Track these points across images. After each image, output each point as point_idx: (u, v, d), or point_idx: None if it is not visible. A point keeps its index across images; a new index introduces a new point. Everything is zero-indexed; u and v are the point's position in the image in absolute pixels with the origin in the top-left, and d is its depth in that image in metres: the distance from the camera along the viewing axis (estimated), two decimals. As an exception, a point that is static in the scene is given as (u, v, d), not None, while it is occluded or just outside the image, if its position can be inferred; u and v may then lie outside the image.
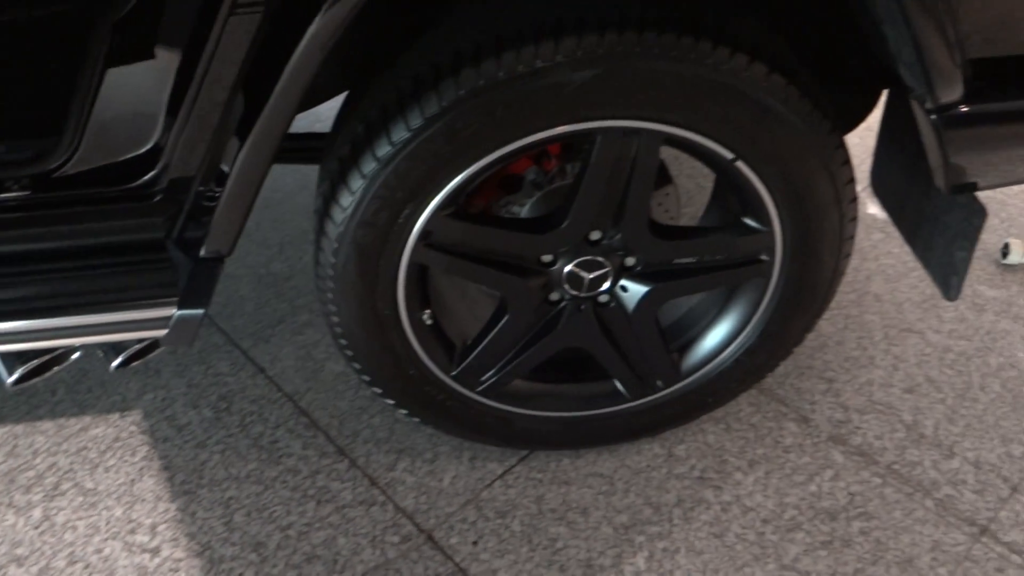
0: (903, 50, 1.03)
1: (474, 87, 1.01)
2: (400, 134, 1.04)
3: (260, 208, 2.08)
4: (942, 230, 1.28)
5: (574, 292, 1.29)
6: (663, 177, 1.35)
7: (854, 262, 2.10)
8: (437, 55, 1.04)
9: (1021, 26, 1.00)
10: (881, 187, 1.53)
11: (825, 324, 1.94)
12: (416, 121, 1.03)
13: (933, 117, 1.06)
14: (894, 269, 2.10)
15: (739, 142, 1.11)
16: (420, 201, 1.11)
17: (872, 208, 2.29)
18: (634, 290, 1.31)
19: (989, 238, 2.18)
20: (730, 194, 1.24)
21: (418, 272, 1.22)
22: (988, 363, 1.84)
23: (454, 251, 1.19)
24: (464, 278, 1.26)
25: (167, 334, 1.08)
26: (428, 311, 1.28)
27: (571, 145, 1.28)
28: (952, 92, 1.05)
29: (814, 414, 1.72)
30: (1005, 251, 2.07)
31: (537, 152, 1.30)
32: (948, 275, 1.28)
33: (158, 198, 1.02)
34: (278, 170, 2.30)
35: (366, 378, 1.32)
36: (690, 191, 2.30)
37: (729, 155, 1.13)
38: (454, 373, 1.34)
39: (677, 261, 1.29)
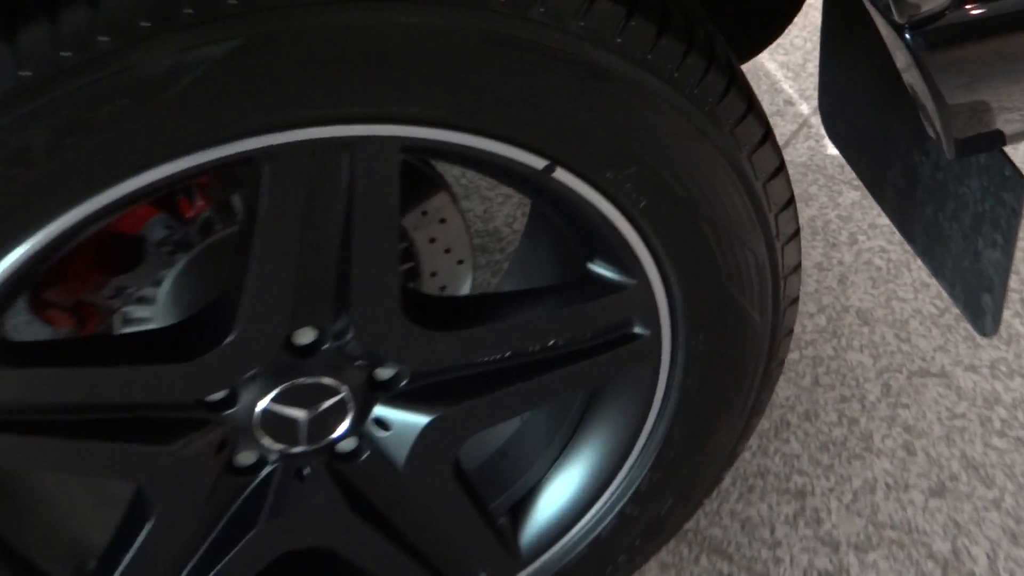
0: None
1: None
2: None
3: None
4: (955, 210, 1.34)
5: (283, 447, 1.28)
6: (427, 184, 1.37)
7: (816, 253, 2.14)
8: None
9: None
10: (840, 127, 1.58)
11: (781, 383, 1.95)
12: None
13: (908, 36, 1.09)
14: (885, 257, 2.15)
15: (551, 136, 1.12)
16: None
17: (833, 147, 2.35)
18: (402, 425, 1.31)
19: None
20: (561, 226, 1.28)
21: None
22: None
23: (6, 423, 1.13)
24: (37, 469, 1.24)
25: None
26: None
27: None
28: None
29: (780, 567, 1.71)
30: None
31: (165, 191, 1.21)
32: (976, 291, 1.34)
33: None
34: None
35: None
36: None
37: (538, 162, 1.14)
38: (61, 639, 1.26)
39: (479, 359, 1.29)
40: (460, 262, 1.42)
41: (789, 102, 2.35)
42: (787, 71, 2.39)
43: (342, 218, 1.14)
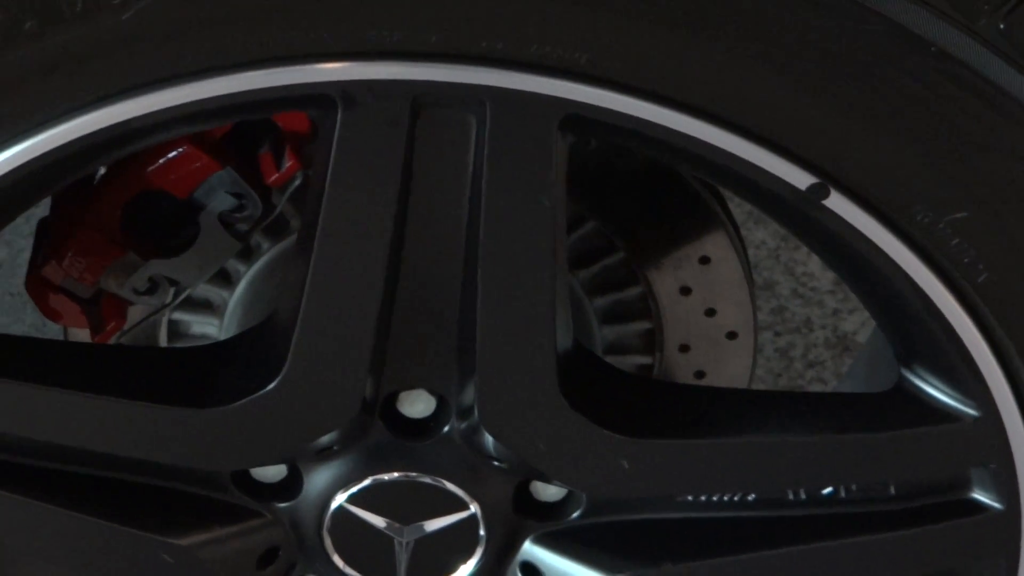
0: None
1: None
2: None
3: None
4: None
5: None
6: (682, 201, 1.28)
7: None
8: None
9: None
10: None
11: None
12: None
13: None
14: None
15: (822, 132, 0.95)
16: None
17: None
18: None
19: None
20: (863, 299, 1.16)
21: None
22: None
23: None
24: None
25: None
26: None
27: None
28: None
29: None
30: None
31: (219, 133, 1.13)
32: None
33: None
34: None
35: None
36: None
37: (804, 178, 0.96)
38: None
39: (695, 495, 1.12)
40: (732, 336, 1.27)
41: None
42: None
43: (464, 221, 1.00)
